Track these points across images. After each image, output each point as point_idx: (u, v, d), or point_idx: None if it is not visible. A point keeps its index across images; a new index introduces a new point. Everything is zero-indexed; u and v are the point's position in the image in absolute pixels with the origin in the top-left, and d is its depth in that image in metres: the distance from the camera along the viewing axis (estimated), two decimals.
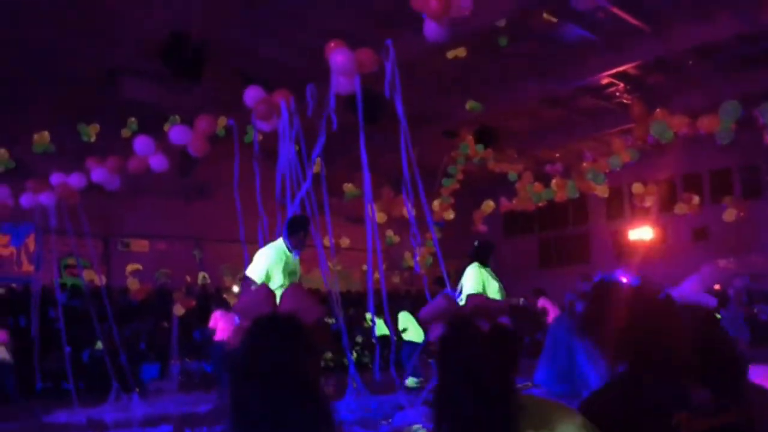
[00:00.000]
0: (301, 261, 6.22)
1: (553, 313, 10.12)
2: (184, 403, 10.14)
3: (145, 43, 11.66)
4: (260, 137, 7.87)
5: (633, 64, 14.25)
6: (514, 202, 15.17)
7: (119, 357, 9.70)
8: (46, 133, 11.76)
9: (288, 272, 5.67)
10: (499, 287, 6.62)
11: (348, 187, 14.36)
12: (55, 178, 9.34)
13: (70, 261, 14.49)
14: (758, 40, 13.22)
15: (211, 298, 15.35)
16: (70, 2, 10.73)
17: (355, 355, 13.49)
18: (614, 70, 14.45)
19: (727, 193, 17.01)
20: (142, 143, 8.82)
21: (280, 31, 11.87)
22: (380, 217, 12.28)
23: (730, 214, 13.81)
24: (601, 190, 13.93)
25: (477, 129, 15.39)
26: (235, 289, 16.45)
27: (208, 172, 13.58)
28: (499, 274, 6.86)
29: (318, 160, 8.04)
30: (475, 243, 7.06)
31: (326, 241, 7.64)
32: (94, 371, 11.84)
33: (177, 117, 11.05)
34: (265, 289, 1.54)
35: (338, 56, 6.41)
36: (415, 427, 6.07)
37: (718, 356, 1.69)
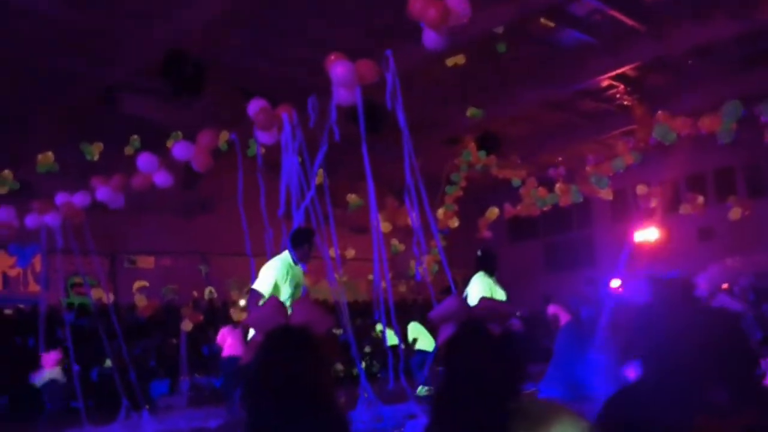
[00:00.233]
0: (308, 272, 6.22)
1: (564, 319, 10.09)
2: (194, 418, 10.14)
3: (146, 61, 11.72)
4: (263, 150, 7.89)
5: (632, 66, 14.27)
6: (518, 207, 15.15)
7: (128, 374, 9.70)
8: (49, 154, 11.80)
9: (295, 284, 5.68)
10: (506, 296, 6.62)
11: (351, 197, 14.38)
12: (60, 198, 9.37)
13: (77, 280, 14.50)
14: (757, 39, 13.23)
15: (219, 313, 15.36)
16: (71, 23, 10.80)
17: (364, 365, 13.46)
18: (614, 73, 14.48)
19: (731, 192, 16.97)
20: (145, 160, 8.85)
21: (280, 46, 11.93)
22: (385, 226, 12.29)
23: (735, 213, 13.79)
24: (605, 193, 13.92)
25: (479, 136, 15.40)
26: (242, 302, 16.46)
27: (211, 186, 13.63)
28: (505, 280, 6.86)
29: (321, 171, 8.07)
30: (479, 252, 7.06)
31: (332, 252, 7.64)
32: (103, 389, 11.84)
33: (179, 133, 11.09)
34: (276, 301, 1.55)
35: (339, 68, 6.44)
36: None
37: (738, 359, 1.69)
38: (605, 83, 15.14)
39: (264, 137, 7.36)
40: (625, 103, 15.58)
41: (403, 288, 18.34)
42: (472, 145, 14.88)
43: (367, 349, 15.29)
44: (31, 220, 9.65)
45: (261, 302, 5.51)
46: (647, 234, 18.79)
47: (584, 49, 13.19)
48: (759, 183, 18.66)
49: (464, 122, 14.80)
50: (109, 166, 10.14)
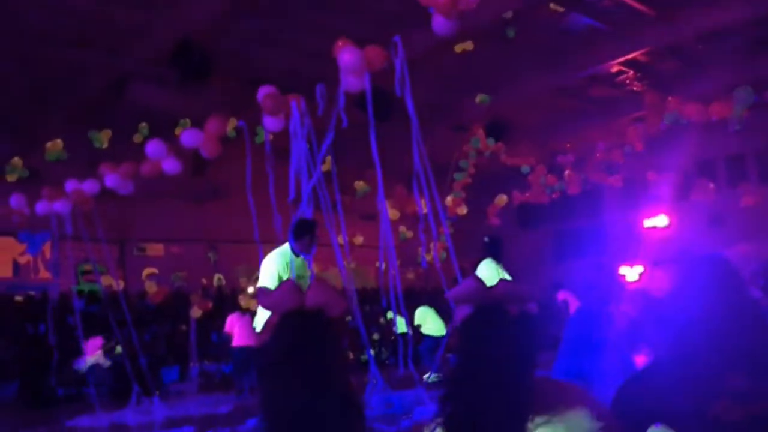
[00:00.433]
0: (317, 260, 6.23)
1: (574, 306, 10.08)
2: (204, 404, 10.21)
3: (155, 51, 11.72)
4: (271, 137, 7.89)
5: (642, 51, 14.16)
6: (527, 195, 15.13)
7: (139, 361, 9.76)
8: (58, 141, 11.84)
9: (296, 276, 5.68)
10: None
11: (359, 184, 14.37)
12: (69, 185, 9.41)
13: (87, 267, 14.59)
14: None
15: (227, 300, 15.44)
16: (81, 12, 10.81)
17: (373, 352, 13.52)
18: (623, 58, 14.36)
19: (742, 178, 16.87)
20: (154, 147, 8.86)
21: (289, 35, 11.90)
22: (393, 213, 12.28)
23: (746, 200, 13.72)
24: (615, 180, 13.88)
25: (487, 122, 15.34)
26: (251, 290, 16.53)
27: (220, 174, 13.64)
28: (513, 268, 6.86)
29: (329, 158, 8.06)
30: (486, 239, 7.07)
31: (340, 240, 7.65)
32: (114, 376, 11.94)
33: (187, 121, 11.10)
34: (291, 284, 1.55)
35: (346, 55, 6.41)
36: (437, 420, 6.07)
37: (760, 345, 1.68)
38: (615, 69, 15.03)
39: (271, 123, 7.35)
40: (635, 89, 15.47)
41: (411, 275, 18.35)
42: (481, 132, 14.83)
43: (376, 336, 15.34)
44: (41, 207, 9.70)
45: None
46: (657, 221, 18.74)
47: (594, 35, 13.08)
48: None
49: (473, 109, 14.74)
50: (118, 154, 10.17)
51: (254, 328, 6.00)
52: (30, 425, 8.73)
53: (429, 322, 11.65)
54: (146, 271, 17.12)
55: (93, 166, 9.64)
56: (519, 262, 13.24)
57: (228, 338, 11.48)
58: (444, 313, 11.39)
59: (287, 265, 5.68)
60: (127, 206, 14.06)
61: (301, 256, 5.90)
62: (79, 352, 10.19)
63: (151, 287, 14.40)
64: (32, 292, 15.22)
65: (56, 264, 11.87)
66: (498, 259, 6.78)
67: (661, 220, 18.64)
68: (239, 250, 15.99)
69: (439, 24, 6.12)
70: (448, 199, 14.57)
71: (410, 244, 15.16)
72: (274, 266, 5.66)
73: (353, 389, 1.41)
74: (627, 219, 20.23)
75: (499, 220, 15.70)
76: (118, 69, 12.69)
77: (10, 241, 15.19)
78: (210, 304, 14.58)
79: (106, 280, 12.74)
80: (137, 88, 13.09)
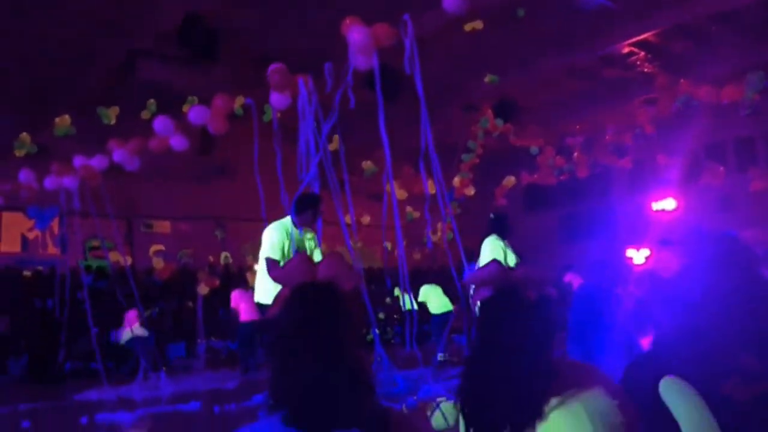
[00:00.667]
0: (324, 239, 6.23)
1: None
2: (211, 380, 10.29)
3: (164, 28, 11.67)
4: (279, 115, 7.87)
5: (654, 32, 14.01)
6: (535, 176, 15.08)
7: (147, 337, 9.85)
8: (66, 117, 11.84)
9: (295, 249, 5.67)
10: (517, 260, 6.62)
11: (367, 164, 14.34)
12: (78, 161, 9.43)
13: (95, 243, 14.68)
14: None
15: (234, 278, 15.50)
16: None
17: (378, 330, 13.60)
18: (635, 39, 14.22)
19: (752, 162, 16.75)
20: (161, 123, 8.87)
21: (297, 12, 11.82)
22: (401, 193, 12.26)
23: (755, 185, 13.64)
24: (624, 163, 13.81)
25: (496, 103, 15.25)
26: (257, 268, 16.61)
27: (228, 152, 13.63)
28: (521, 249, 6.84)
29: (336, 137, 8.04)
30: (491, 215, 7.07)
31: (348, 219, 7.65)
32: (121, 351, 12.04)
33: (195, 98, 11.08)
34: (303, 256, 1.55)
35: (355, 33, 6.36)
36: (440, 399, 6.10)
37: (766, 324, 1.68)
38: (626, 50, 14.89)
39: (278, 100, 7.33)
40: (646, 70, 15.33)
41: (417, 255, 18.36)
42: (490, 113, 14.75)
43: (381, 316, 15.40)
44: (49, 183, 9.73)
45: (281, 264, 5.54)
46: (665, 204, 18.65)
47: (605, 15, 12.94)
48: None
49: (482, 89, 14.65)
50: (126, 130, 10.18)
51: (257, 303, 6.01)
52: (38, 399, 8.82)
53: (434, 299, 11.67)
54: (153, 248, 17.19)
55: (101, 142, 9.66)
56: (526, 244, 13.23)
57: (235, 315, 11.54)
58: (449, 291, 11.41)
59: (287, 236, 5.68)
60: (134, 183, 14.09)
61: (308, 232, 5.90)
62: (86, 327, 10.25)
63: (158, 263, 14.47)
64: (40, 267, 15.31)
65: (64, 239, 11.92)
66: (503, 236, 6.76)
67: (669, 204, 18.56)
68: (246, 228, 16.00)
69: (450, 3, 6.07)
70: (456, 180, 14.53)
71: (417, 224, 15.15)
72: (276, 236, 5.67)
73: (365, 364, 1.41)
74: (635, 202, 20.14)
75: (507, 201, 15.66)
76: (127, 46, 12.66)
77: (18, 216, 15.24)
78: (217, 282, 14.65)
79: (113, 256, 12.80)
80: (146, 65, 13.06)
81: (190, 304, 14.79)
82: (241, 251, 17.92)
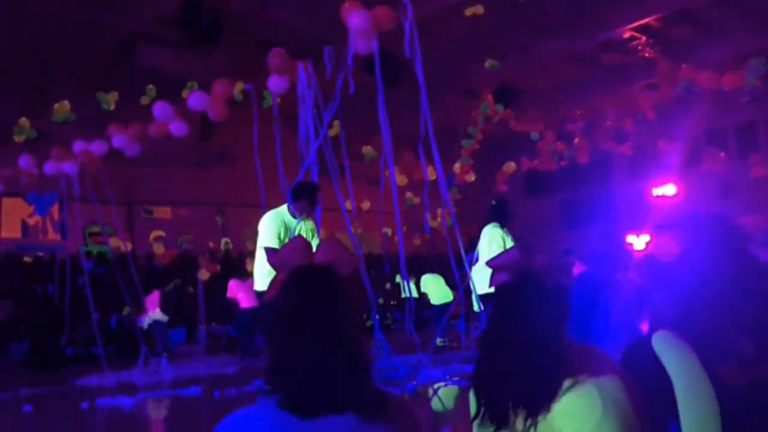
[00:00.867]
0: (324, 225, 6.22)
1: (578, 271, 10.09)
2: (211, 365, 10.33)
3: (163, 11, 11.61)
4: (278, 100, 7.85)
5: (655, 17, 13.94)
6: (535, 162, 15.06)
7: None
8: (66, 102, 11.81)
9: (291, 237, 5.65)
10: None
11: (367, 149, 14.31)
12: (77, 146, 9.41)
13: (95, 229, 14.68)
14: None
15: (235, 264, 15.52)
16: None
17: (377, 316, 13.66)
18: (636, 24, 14.15)
19: (753, 148, 16.70)
20: (161, 109, 8.84)
21: None
22: (401, 179, 12.25)
23: (756, 171, 13.62)
24: (625, 148, 13.79)
25: (496, 88, 15.19)
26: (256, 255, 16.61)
27: (228, 138, 13.61)
28: (520, 234, 6.84)
29: (336, 123, 8.02)
30: (493, 202, 7.05)
31: (348, 205, 7.65)
32: (122, 336, 12.08)
33: (195, 83, 11.05)
34: (300, 240, 1.54)
35: (355, 17, 6.33)
36: (439, 384, 6.13)
37: (763, 308, 1.68)
38: (627, 35, 14.82)
39: (277, 85, 7.30)
40: (647, 55, 15.26)
41: (417, 241, 18.37)
42: (490, 98, 14.70)
43: (381, 301, 15.43)
44: (49, 168, 9.72)
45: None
46: (665, 190, 18.64)
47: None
48: None
49: (482, 74, 14.59)
50: (126, 116, 10.15)
51: (256, 292, 6.01)
52: (40, 384, 8.86)
53: (434, 289, 11.69)
54: (154, 234, 17.19)
55: (101, 128, 9.64)
56: (526, 230, 13.23)
57: (235, 302, 11.57)
58: (449, 279, 11.44)
59: (283, 224, 5.67)
60: (134, 169, 14.09)
61: (307, 221, 5.90)
62: (87, 313, 10.28)
63: (158, 248, 14.47)
64: (41, 253, 15.33)
65: (64, 225, 11.93)
66: (503, 223, 6.75)
67: (669, 189, 18.55)
68: (246, 214, 15.99)
69: None
70: (456, 166, 14.51)
71: (417, 210, 15.15)
72: (272, 225, 5.67)
73: (362, 348, 1.40)
74: (636, 187, 20.12)
75: (507, 186, 15.65)
76: (126, 29, 12.60)
77: (18, 202, 15.24)
78: (218, 267, 14.67)
79: (114, 242, 12.81)
80: (145, 49, 13.01)
81: (191, 289, 14.82)
82: (242, 237, 17.92)
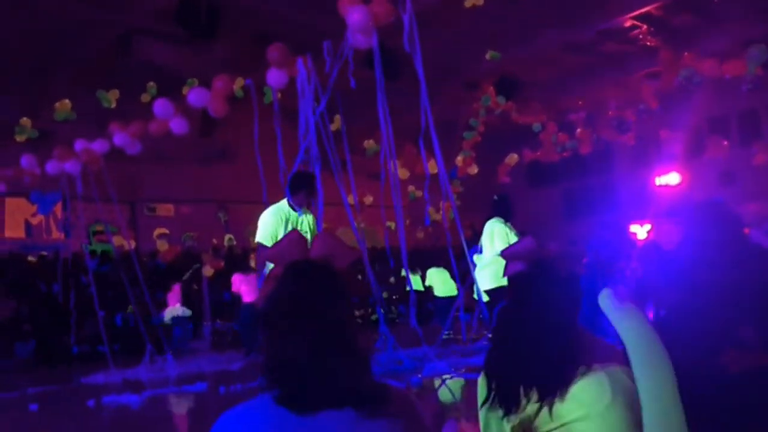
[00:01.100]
0: (326, 220, 6.21)
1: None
2: (217, 362, 10.34)
3: (161, 6, 11.60)
4: (279, 95, 7.83)
5: (656, 5, 13.87)
6: (538, 153, 15.03)
7: (151, 319, 9.88)
8: (67, 101, 11.82)
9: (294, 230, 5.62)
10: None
11: (369, 143, 14.29)
12: (79, 145, 9.42)
13: (98, 227, 14.70)
14: None
15: (238, 260, 15.53)
16: None
17: (383, 309, 13.66)
18: (636, 12, 14.09)
19: (755, 136, 16.64)
20: (161, 106, 8.83)
21: None
22: (402, 173, 12.23)
23: (759, 158, 13.57)
24: (627, 138, 13.75)
25: (498, 80, 15.15)
26: None
27: (229, 134, 13.61)
28: (524, 226, 6.85)
29: (338, 117, 8.00)
30: (495, 197, 7.07)
31: (351, 199, 7.64)
32: (127, 334, 12.10)
33: (195, 80, 11.03)
34: (296, 234, 1.53)
35: (354, 13, 6.31)
36: (445, 377, 6.14)
37: (763, 295, 1.69)
38: (628, 24, 14.75)
39: (276, 79, 7.28)
40: (649, 44, 15.20)
41: (420, 234, 18.37)
42: (491, 90, 14.66)
43: (385, 295, 15.44)
44: (51, 167, 9.73)
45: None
46: (668, 179, 18.58)
47: None
48: None
49: (483, 66, 14.55)
50: (127, 113, 10.15)
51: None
52: (46, 383, 8.89)
53: (439, 283, 11.71)
54: (157, 231, 17.22)
55: (102, 126, 9.64)
56: (530, 221, 13.23)
57: (239, 297, 11.58)
58: (454, 273, 11.47)
59: (282, 219, 5.66)
60: (137, 167, 14.10)
61: (307, 214, 5.89)
62: (92, 311, 10.30)
63: (162, 245, 14.50)
64: (45, 253, 15.36)
65: (68, 224, 11.95)
66: (507, 217, 6.77)
67: (672, 178, 18.49)
68: (249, 211, 15.97)
69: None
70: (459, 159, 14.49)
71: (420, 203, 15.14)
72: (269, 222, 5.65)
73: (361, 343, 1.39)
74: (638, 177, 20.07)
75: (510, 178, 15.63)
76: (124, 25, 12.59)
77: (22, 201, 15.26)
78: (222, 263, 14.68)
79: (117, 240, 12.83)
80: (144, 44, 13.00)
81: (195, 286, 14.83)
82: (245, 233, 17.93)
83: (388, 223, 11.97)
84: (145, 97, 11.51)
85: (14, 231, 16.05)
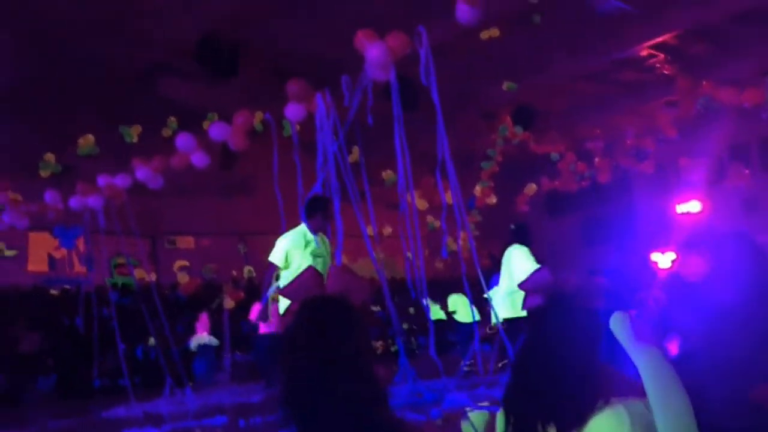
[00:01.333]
0: (346, 252, 6.23)
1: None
2: (237, 394, 10.31)
3: (181, 43, 11.82)
4: (298, 128, 7.92)
5: (672, 34, 13.90)
6: (556, 182, 15.00)
7: (171, 352, 9.89)
8: (90, 136, 12.03)
9: (314, 255, 5.63)
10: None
11: (387, 174, 14.34)
12: (102, 180, 9.55)
13: (120, 260, 14.83)
14: None
15: (258, 292, 15.55)
16: (107, 6, 10.94)
17: (402, 340, 13.57)
18: (653, 41, 14.12)
19: None
20: (183, 140, 8.96)
21: (313, 22, 11.91)
22: (421, 203, 12.25)
23: None
24: (646, 166, 13.70)
25: (515, 109, 15.19)
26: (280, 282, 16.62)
27: (249, 167, 13.71)
28: (544, 255, 6.80)
29: (356, 148, 8.06)
30: (512, 226, 7.06)
31: (370, 230, 7.65)
32: (147, 367, 12.12)
33: (215, 114, 11.19)
34: (312, 271, 1.55)
35: (372, 50, 6.39)
36: (469, 409, 6.07)
37: None
38: (645, 52, 14.78)
39: (294, 113, 7.37)
40: (666, 72, 15.20)
41: (439, 265, 18.33)
42: (509, 120, 14.70)
43: (405, 326, 15.35)
44: (74, 202, 9.86)
45: (278, 273, 5.58)
46: (689, 207, 18.40)
47: (622, 17, 12.87)
48: None
49: (500, 96, 14.61)
50: (148, 148, 10.29)
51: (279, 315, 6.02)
52: (67, 416, 8.91)
53: (461, 308, 11.70)
54: (178, 264, 17.32)
55: (124, 161, 9.78)
56: (549, 250, 13.14)
57: (256, 328, 11.58)
58: (477, 301, 11.41)
59: (300, 243, 5.69)
60: (158, 201, 14.22)
61: (323, 239, 5.93)
62: (112, 344, 10.35)
63: (183, 278, 14.57)
64: (67, 286, 15.50)
65: (90, 258, 12.07)
66: (525, 245, 6.74)
67: (693, 206, 18.31)
68: (268, 243, 16.04)
69: (463, 12, 6.08)
70: (477, 189, 14.49)
71: (438, 233, 15.09)
72: (284, 245, 5.71)
73: (377, 376, 1.40)
74: (659, 205, 19.89)
75: (529, 207, 15.59)
76: (146, 61, 12.84)
77: (45, 236, 15.45)
78: (242, 294, 14.71)
79: (138, 273, 12.92)
80: (165, 80, 13.23)
81: (214, 318, 14.85)
82: (265, 265, 17.96)
83: (408, 254, 11.96)
84: (166, 132, 11.68)
85: (37, 265, 16.23)
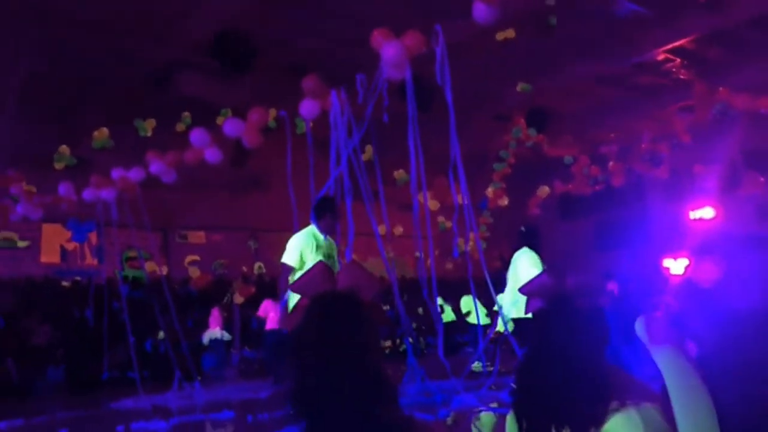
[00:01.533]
0: (356, 250, 6.24)
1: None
2: (244, 390, 10.35)
3: (198, 39, 11.86)
4: (311, 125, 7.93)
5: (689, 39, 13.80)
6: (569, 185, 14.95)
7: (181, 346, 9.94)
8: (104, 130, 12.09)
9: (323, 255, 5.68)
10: None
11: (399, 173, 14.34)
12: (116, 173, 9.61)
13: (131, 254, 14.90)
14: None
15: (267, 288, 15.60)
16: (123, 3, 10.99)
17: (411, 340, 13.57)
18: (669, 46, 14.03)
19: None
20: (197, 136, 9.00)
21: (329, 20, 11.92)
22: (433, 204, 12.24)
23: None
24: (661, 172, 13.63)
25: (529, 111, 15.15)
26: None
27: (262, 164, 13.75)
28: (555, 258, 6.79)
29: (369, 148, 8.07)
30: (522, 229, 7.05)
31: (382, 230, 7.66)
32: (157, 360, 12.18)
33: (228, 110, 11.23)
34: (322, 266, 1.55)
35: (388, 49, 6.39)
36: (478, 410, 6.07)
37: None
38: (661, 57, 14.69)
39: (308, 109, 7.38)
40: (682, 77, 15.11)
41: (450, 265, 18.31)
42: (522, 122, 14.66)
43: (414, 326, 15.34)
44: (88, 195, 9.93)
45: (293, 274, 5.59)
46: (703, 213, 18.27)
47: (639, 22, 12.80)
48: None
49: (515, 98, 14.57)
50: (162, 143, 10.34)
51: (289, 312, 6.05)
52: (76, 408, 8.96)
53: (473, 311, 11.70)
54: (189, 259, 17.39)
55: (138, 155, 9.83)
56: (561, 253, 13.09)
57: (263, 324, 11.62)
58: (486, 302, 11.39)
59: (311, 243, 5.71)
60: (170, 195, 14.28)
61: (332, 242, 5.96)
62: (122, 336, 10.40)
63: (194, 272, 14.63)
64: (79, 278, 15.59)
65: (102, 250, 12.14)
66: (535, 248, 6.72)
67: (707, 212, 18.17)
68: (279, 239, 16.07)
69: (480, 12, 6.06)
70: (489, 190, 14.46)
71: (450, 234, 15.08)
72: (296, 244, 5.73)
73: (386, 374, 1.39)
74: (672, 210, 19.74)
75: (541, 209, 15.54)
76: (162, 57, 12.88)
77: (58, 227, 15.55)
78: (253, 289, 14.76)
79: (150, 267, 12.98)
80: (181, 76, 13.27)
81: (225, 314, 14.91)
82: (275, 262, 18.00)
83: (417, 253, 11.97)
84: (180, 127, 11.72)
85: (50, 256, 16.33)
